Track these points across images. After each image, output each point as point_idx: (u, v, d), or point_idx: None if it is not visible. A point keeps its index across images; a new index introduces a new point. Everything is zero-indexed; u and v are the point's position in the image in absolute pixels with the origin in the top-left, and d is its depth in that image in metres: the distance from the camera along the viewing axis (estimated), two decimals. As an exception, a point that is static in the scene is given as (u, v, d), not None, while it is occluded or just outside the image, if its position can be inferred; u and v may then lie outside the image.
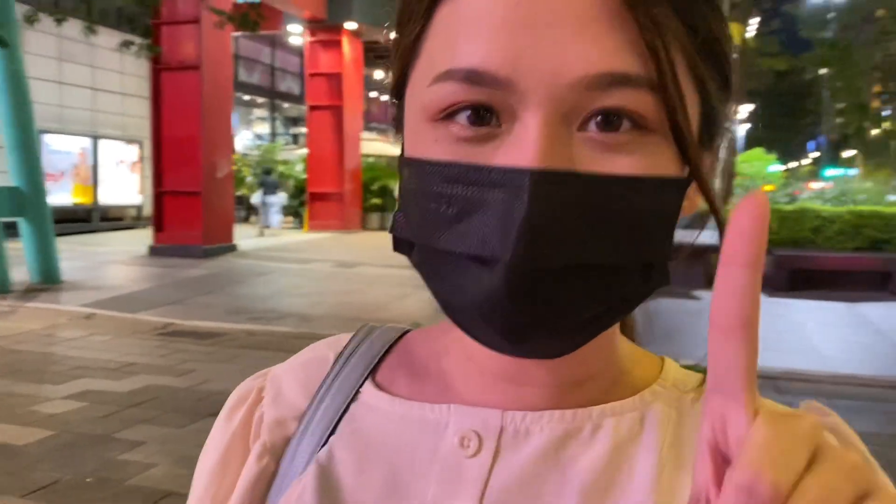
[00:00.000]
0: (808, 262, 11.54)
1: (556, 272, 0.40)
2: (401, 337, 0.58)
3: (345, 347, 0.58)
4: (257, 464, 0.54)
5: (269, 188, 18.73)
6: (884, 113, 25.40)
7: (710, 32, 0.43)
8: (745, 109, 23.85)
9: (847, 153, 56.83)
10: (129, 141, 20.08)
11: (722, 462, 0.31)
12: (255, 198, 18.90)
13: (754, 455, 0.28)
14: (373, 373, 0.56)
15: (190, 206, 13.35)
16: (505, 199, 0.39)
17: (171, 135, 13.26)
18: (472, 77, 0.40)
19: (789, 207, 12.53)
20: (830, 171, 32.59)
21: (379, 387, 0.54)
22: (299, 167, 20.63)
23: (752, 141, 24.45)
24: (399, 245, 0.48)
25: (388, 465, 0.50)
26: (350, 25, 18.15)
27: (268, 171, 19.37)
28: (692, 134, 0.42)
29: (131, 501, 3.91)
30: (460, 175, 0.41)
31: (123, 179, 19.70)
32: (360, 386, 0.55)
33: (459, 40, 0.41)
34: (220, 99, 13.71)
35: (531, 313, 0.41)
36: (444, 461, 0.49)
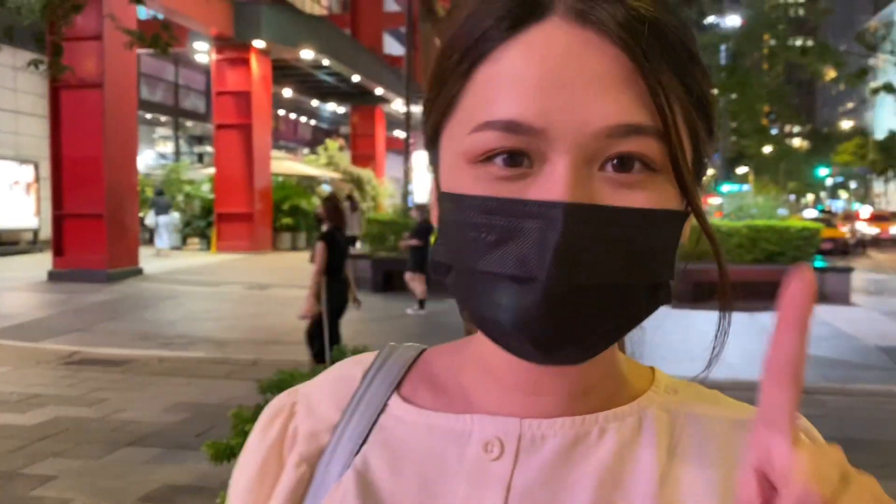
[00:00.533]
0: (709, 275, 12.04)
1: (582, 290, 0.47)
2: (419, 354, 0.64)
3: (371, 365, 0.63)
4: (295, 472, 0.59)
5: (161, 209, 18.12)
6: (773, 132, 26.94)
7: (702, 92, 0.51)
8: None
9: (740, 170, 59.87)
10: (24, 161, 19.14)
11: (765, 481, 0.38)
12: (149, 218, 18.32)
13: (805, 475, 0.36)
14: (398, 387, 0.60)
15: (92, 229, 12.84)
16: (540, 227, 0.46)
17: (71, 155, 12.74)
18: (511, 127, 0.47)
19: (691, 223, 13.12)
20: (726, 187, 34.23)
21: (405, 400, 0.59)
22: (206, 187, 20.14)
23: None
24: (437, 269, 0.54)
25: (419, 469, 0.55)
26: (258, 44, 17.93)
27: (160, 192, 18.75)
28: (690, 174, 0.50)
29: (47, 540, 3.74)
30: (499, 207, 0.48)
31: (18, 201, 18.74)
32: (388, 399, 0.60)
33: (499, 96, 0.48)
34: (124, 118, 13.29)
35: (561, 325, 0.48)
36: (471, 465, 0.54)
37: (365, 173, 25.34)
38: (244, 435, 3.03)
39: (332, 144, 25.60)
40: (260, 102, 18.54)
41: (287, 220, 19.64)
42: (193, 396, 6.50)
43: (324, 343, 6.51)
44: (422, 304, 10.95)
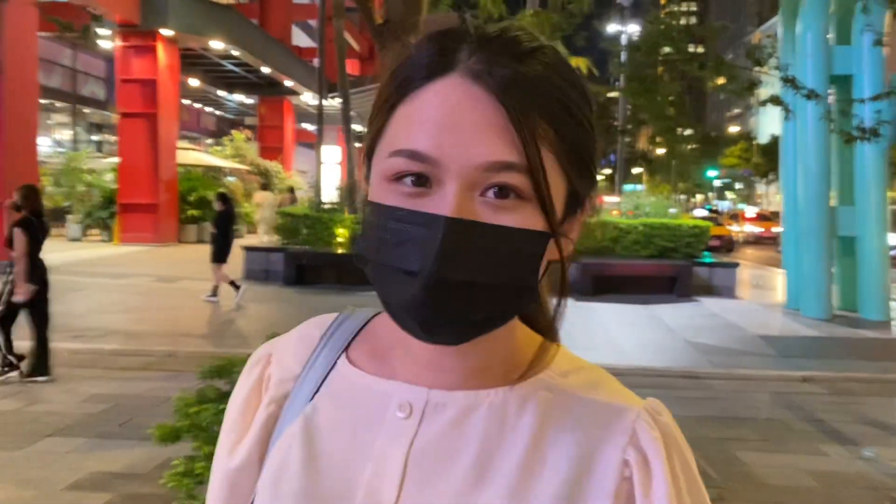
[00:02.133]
0: (608, 269, 12.76)
1: (455, 285, 0.59)
2: (372, 318, 0.78)
3: (328, 327, 0.78)
4: (266, 410, 0.75)
5: None
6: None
7: (576, 140, 0.64)
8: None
9: (635, 170, 62.05)
10: None
11: None
12: None
13: None
14: (346, 350, 0.75)
15: (-9, 220, 12.34)
16: (428, 234, 0.59)
17: (-33, 142, 12.22)
18: (414, 155, 0.60)
19: (591, 220, 13.70)
20: (628, 188, 35.65)
21: (350, 361, 0.74)
22: (108, 176, 19.53)
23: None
24: (359, 259, 0.66)
25: (352, 419, 0.70)
26: (166, 32, 17.53)
27: None
28: (552, 202, 0.62)
29: (-20, 526, 3.79)
30: (402, 215, 0.61)
31: None
32: (337, 359, 0.75)
33: (409, 130, 0.61)
34: (24, 104, 12.81)
35: (438, 312, 0.60)
36: (388, 421, 0.68)
37: (273, 165, 25.09)
38: (189, 417, 3.20)
39: (239, 136, 25.22)
40: (166, 91, 18.13)
41: (193, 212, 19.26)
42: (111, 388, 6.49)
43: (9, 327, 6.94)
44: (215, 291, 11.15)
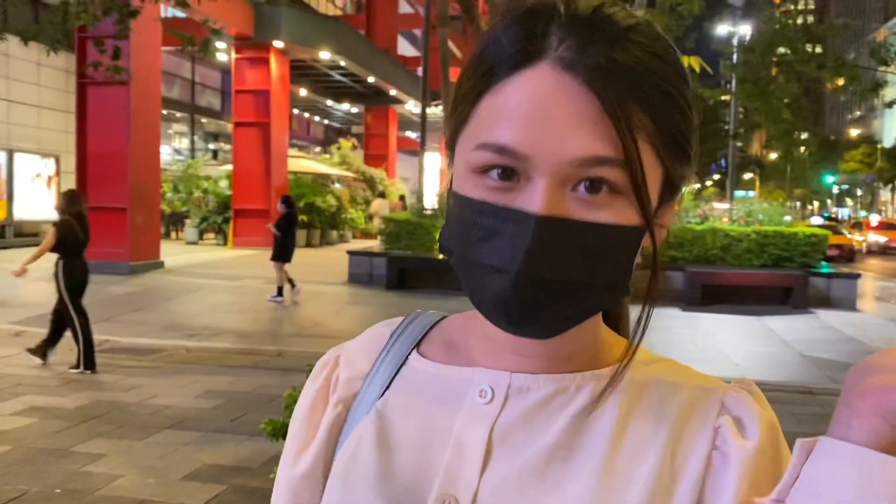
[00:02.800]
0: (718, 278, 12.32)
1: (545, 283, 0.57)
2: (441, 320, 0.77)
3: (398, 326, 0.76)
4: (334, 410, 0.72)
5: None
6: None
7: (673, 125, 0.60)
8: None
9: (747, 175, 59.84)
10: (45, 155, 19.47)
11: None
12: None
13: None
14: (418, 345, 0.73)
15: (115, 222, 13.13)
16: (518, 230, 0.57)
17: (96, 150, 13.05)
18: (502, 150, 0.58)
19: (700, 227, 13.30)
20: (740, 193, 34.44)
21: (422, 355, 0.72)
22: (223, 183, 20.43)
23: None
24: (443, 249, 0.65)
25: (427, 410, 0.68)
26: (278, 44, 18.21)
27: None
28: (649, 197, 0.59)
29: (104, 510, 4.02)
30: (489, 210, 0.58)
31: (39, 194, 19.07)
32: (409, 354, 0.73)
33: (496, 123, 0.58)
34: (148, 114, 13.59)
35: (526, 309, 0.59)
36: (468, 406, 0.66)
37: (377, 173, 25.61)
38: (298, 414, 3.31)
39: (346, 144, 25.88)
40: (278, 101, 18.83)
41: (302, 217, 19.87)
42: (223, 384, 6.77)
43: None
44: (280, 291, 11.41)
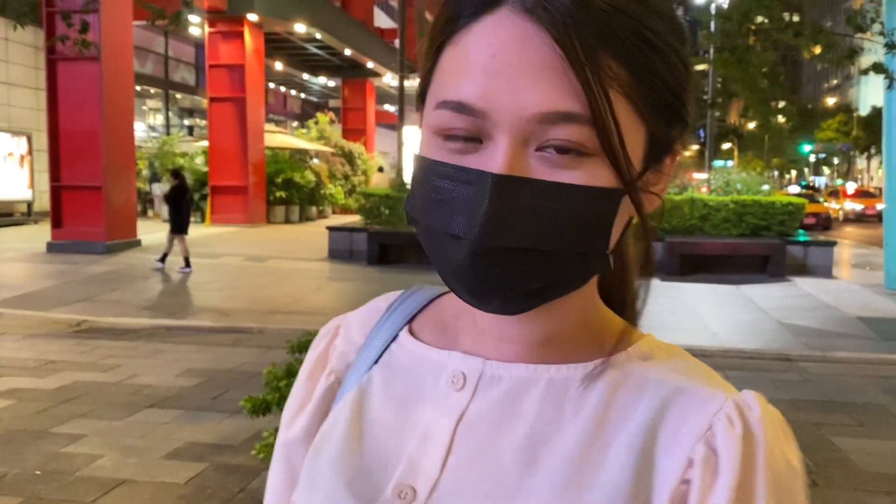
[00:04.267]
0: (696, 248, 12.41)
1: (506, 251, 0.52)
2: (439, 296, 0.74)
3: (394, 301, 0.75)
4: (326, 380, 0.72)
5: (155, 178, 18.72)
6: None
7: (656, 77, 0.54)
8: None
9: (725, 145, 60.10)
10: (16, 133, 19.13)
11: None
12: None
13: None
14: (410, 322, 0.71)
15: (90, 201, 12.97)
16: (474, 193, 0.52)
17: (68, 128, 12.83)
18: (459, 108, 0.53)
19: (678, 197, 13.34)
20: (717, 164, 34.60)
21: (412, 333, 0.70)
22: (199, 160, 20.21)
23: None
24: (410, 219, 0.61)
25: (404, 390, 0.66)
26: (252, 17, 17.93)
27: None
28: (626, 157, 0.53)
29: (85, 491, 3.99)
30: (446, 172, 0.54)
31: (12, 173, 18.76)
32: (400, 331, 0.71)
33: (454, 78, 0.54)
34: (121, 90, 13.36)
35: (487, 280, 0.54)
36: (440, 392, 0.64)
37: (356, 147, 25.43)
38: (278, 391, 3.29)
39: (323, 118, 25.64)
40: (253, 76, 18.59)
41: (281, 194, 19.76)
42: (204, 363, 6.74)
43: None
44: (187, 261, 11.68)
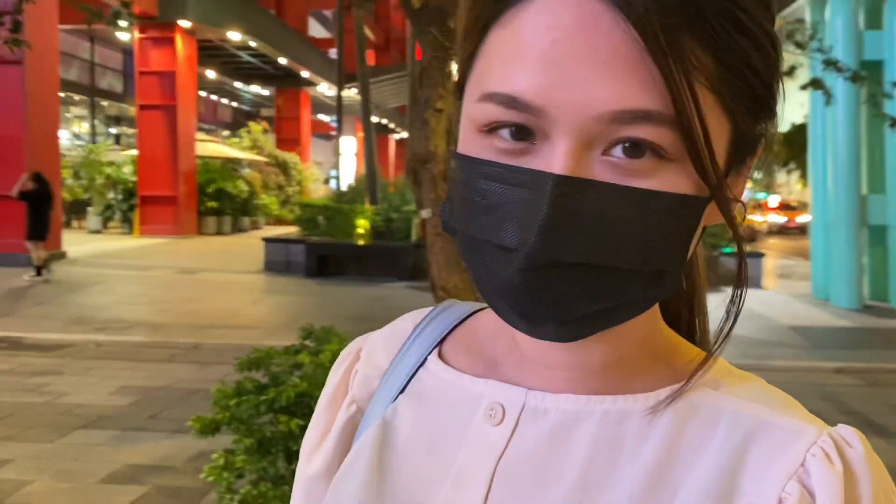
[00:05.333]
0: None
1: (566, 267, 0.44)
2: (473, 314, 0.65)
3: (422, 320, 0.66)
4: (347, 411, 0.65)
5: None
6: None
7: (746, 65, 0.46)
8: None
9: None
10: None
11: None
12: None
13: None
14: (440, 344, 0.63)
15: (13, 212, 12.38)
16: (530, 197, 0.44)
17: (-11, 134, 12.26)
18: (511, 102, 0.45)
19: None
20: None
21: (442, 357, 0.61)
22: (127, 169, 19.59)
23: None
24: (447, 227, 0.53)
25: (435, 423, 0.58)
26: (184, 23, 17.51)
27: None
28: (713, 161, 0.45)
29: (16, 519, 3.76)
30: (496, 173, 0.46)
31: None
32: (428, 354, 0.62)
33: (503, 67, 0.46)
34: (46, 96, 12.85)
35: (541, 300, 0.46)
36: (475, 427, 0.55)
37: (290, 157, 25.09)
38: (228, 409, 3.15)
39: (256, 127, 25.22)
40: (185, 83, 18.13)
41: (212, 204, 19.30)
42: (138, 380, 6.48)
43: None
44: (38, 270, 11.38)
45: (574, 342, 0.50)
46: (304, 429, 3.10)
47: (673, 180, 0.45)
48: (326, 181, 22.09)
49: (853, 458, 0.48)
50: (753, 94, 0.47)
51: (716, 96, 0.45)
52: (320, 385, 3.22)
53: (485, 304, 0.64)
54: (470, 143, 0.49)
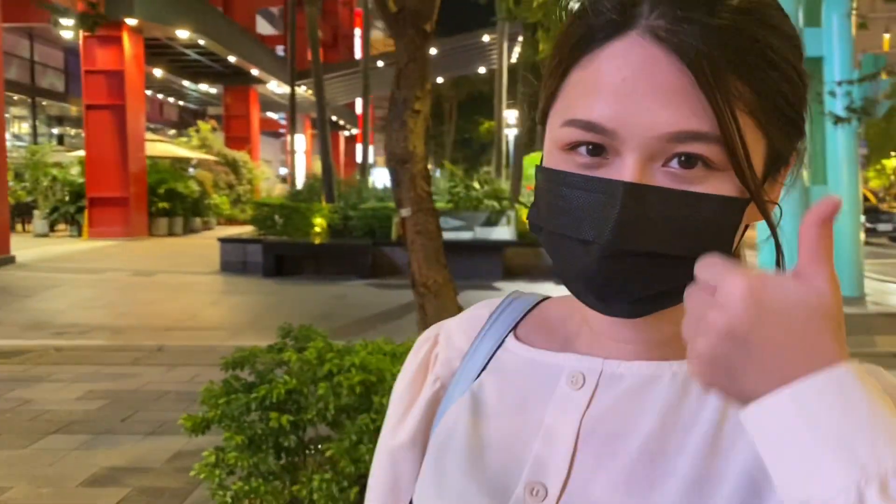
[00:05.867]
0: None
1: (635, 255, 0.55)
2: (540, 302, 0.77)
3: (496, 308, 0.76)
4: (432, 387, 0.74)
5: None
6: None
7: (778, 94, 0.57)
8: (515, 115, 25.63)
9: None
10: None
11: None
12: None
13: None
14: (515, 328, 0.73)
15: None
16: (604, 200, 0.56)
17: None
18: (590, 126, 0.57)
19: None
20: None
21: (518, 338, 0.72)
22: (74, 170, 19.14)
23: (521, 145, 26.25)
24: (533, 227, 0.64)
25: (521, 392, 0.68)
26: (131, 21, 17.18)
27: None
28: (752, 171, 0.56)
29: (-3, 526, 3.74)
30: (577, 182, 0.58)
31: None
32: (506, 337, 0.73)
33: (584, 99, 0.57)
34: (-11, 97, 12.51)
35: (614, 284, 0.57)
36: (559, 392, 0.65)
37: (240, 156, 24.81)
38: (218, 407, 3.20)
39: (205, 126, 24.86)
40: (133, 82, 17.80)
41: (163, 205, 18.98)
42: (104, 384, 6.41)
43: None
44: None
45: (640, 319, 0.61)
46: (294, 424, 3.14)
47: (719, 186, 0.56)
48: (284, 180, 21.85)
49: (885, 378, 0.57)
50: (785, 118, 0.59)
51: (754, 119, 0.56)
52: (308, 382, 3.29)
53: (546, 295, 0.77)
54: (553, 159, 0.61)
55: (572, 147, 0.58)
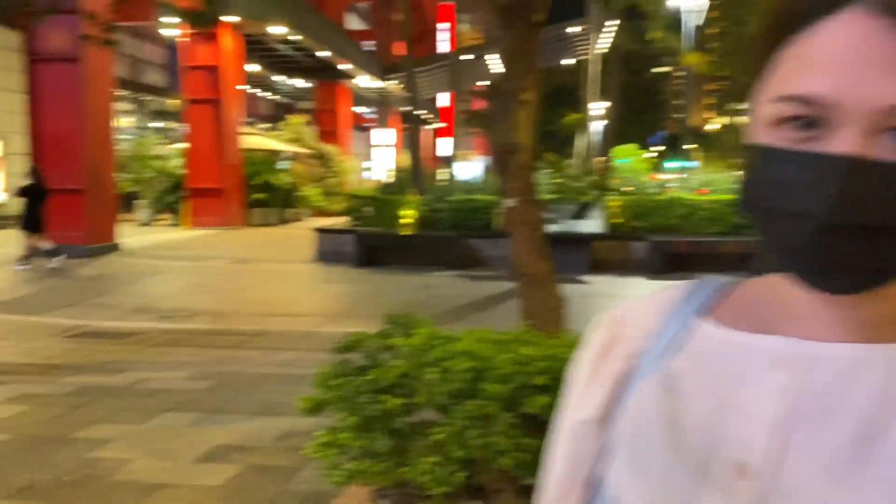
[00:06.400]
0: (678, 247, 12.63)
1: (856, 228, 0.54)
2: (727, 285, 0.74)
3: (682, 290, 0.75)
4: (617, 366, 0.73)
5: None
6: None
7: None
8: (603, 106, 25.26)
9: (686, 146, 60.71)
10: (-12, 136, 18.74)
11: None
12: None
13: None
14: (708, 310, 0.71)
15: (71, 205, 12.76)
16: (823, 174, 0.55)
17: (50, 130, 12.61)
18: (807, 100, 0.56)
19: (660, 197, 13.59)
20: (671, 164, 34.74)
21: (713, 320, 0.70)
22: (174, 162, 19.98)
23: (610, 136, 25.90)
24: (745, 205, 0.63)
25: (718, 372, 0.66)
26: (229, 18, 17.78)
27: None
28: None
29: (123, 496, 3.97)
30: (792, 157, 0.57)
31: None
32: (698, 318, 0.71)
33: (801, 73, 0.57)
34: (101, 92, 13.17)
35: (834, 258, 0.56)
36: (759, 373, 0.63)
37: (332, 149, 25.35)
38: (332, 390, 3.31)
39: (297, 119, 25.50)
40: (230, 77, 18.44)
41: (259, 196, 19.62)
42: (210, 366, 6.70)
43: None
44: (54, 252, 11.64)
45: (850, 300, 0.60)
46: (405, 407, 3.22)
47: None
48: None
49: None
50: None
51: None
52: (419, 365, 3.37)
53: (734, 280, 0.76)
54: (762, 135, 0.60)
55: (782, 122, 0.58)
